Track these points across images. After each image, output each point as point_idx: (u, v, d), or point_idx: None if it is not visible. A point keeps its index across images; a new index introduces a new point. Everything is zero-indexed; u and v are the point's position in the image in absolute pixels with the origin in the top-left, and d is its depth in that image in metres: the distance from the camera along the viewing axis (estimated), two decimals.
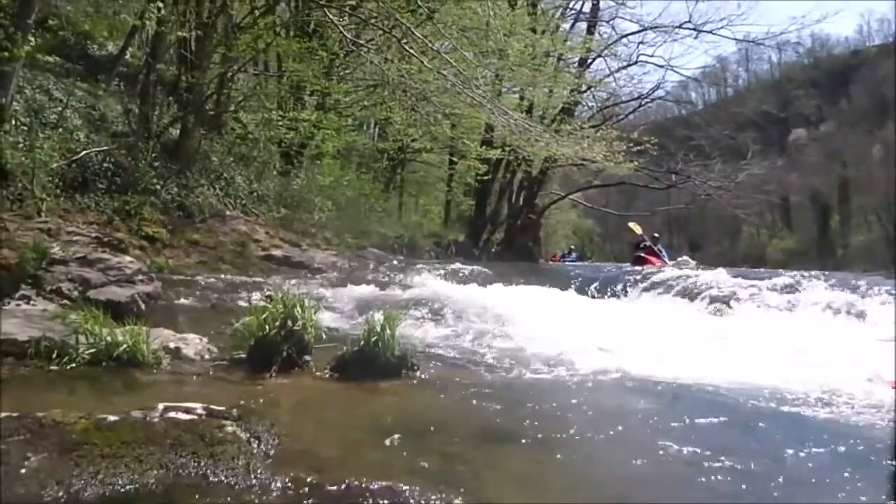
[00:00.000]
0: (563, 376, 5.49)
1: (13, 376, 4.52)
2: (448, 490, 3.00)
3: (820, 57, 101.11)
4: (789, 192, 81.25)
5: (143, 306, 6.88)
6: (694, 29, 31.03)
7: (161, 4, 12.54)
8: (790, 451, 3.82)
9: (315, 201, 19.40)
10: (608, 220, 58.35)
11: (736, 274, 12.29)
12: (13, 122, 11.04)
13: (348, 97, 22.56)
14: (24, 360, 4.76)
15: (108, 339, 4.91)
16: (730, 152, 38.73)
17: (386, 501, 2.81)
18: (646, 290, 11.16)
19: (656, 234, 29.25)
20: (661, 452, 3.62)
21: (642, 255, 26.52)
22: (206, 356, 5.41)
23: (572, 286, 11.46)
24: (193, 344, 5.49)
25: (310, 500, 2.79)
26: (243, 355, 5.34)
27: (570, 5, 31.74)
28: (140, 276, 7.31)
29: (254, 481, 2.94)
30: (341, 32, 16.52)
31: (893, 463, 3.66)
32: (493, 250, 29.91)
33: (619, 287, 11.63)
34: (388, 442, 3.64)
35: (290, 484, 2.92)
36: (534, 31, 24.90)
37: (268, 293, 7.62)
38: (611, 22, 31.60)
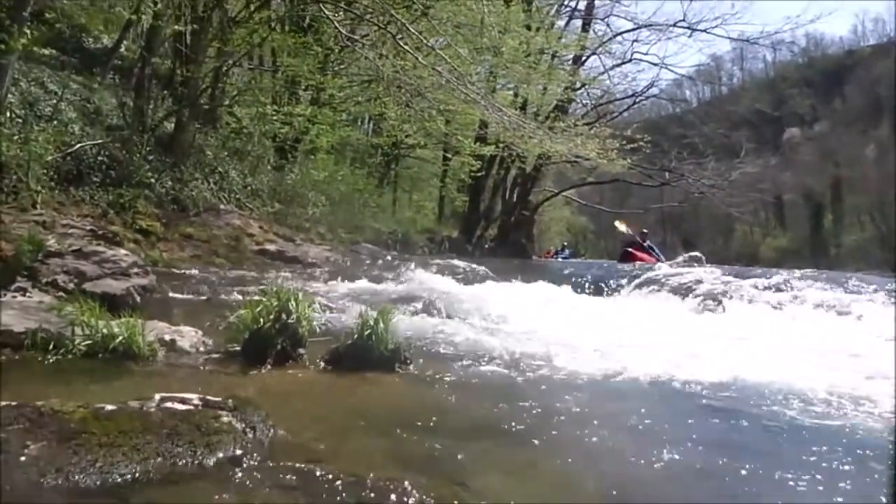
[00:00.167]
0: (555, 373, 5.51)
1: (11, 367, 4.56)
2: (439, 481, 3.05)
3: (814, 56, 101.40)
4: (783, 190, 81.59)
5: (138, 299, 6.92)
6: (688, 27, 31.21)
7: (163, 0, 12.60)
8: (786, 450, 3.87)
9: (309, 196, 19.43)
10: (602, 217, 58.37)
11: (729, 272, 12.35)
12: (8, 114, 11.04)
13: (343, 92, 22.57)
14: (21, 351, 4.80)
15: (105, 331, 4.95)
16: (723, 151, 38.90)
17: (378, 491, 2.85)
18: (638, 287, 11.20)
19: (645, 231, 29.23)
20: (654, 450, 3.63)
21: (630, 250, 26.52)
22: (201, 349, 5.45)
23: (565, 283, 11.50)
24: (189, 336, 5.53)
25: (304, 489, 2.83)
26: (238, 348, 5.38)
27: (566, 2, 31.86)
28: (135, 270, 7.34)
29: (249, 470, 2.98)
30: (336, 28, 16.53)
31: (893, 462, 3.69)
32: (487, 246, 29.94)
33: (612, 284, 11.68)
34: (380, 434, 3.69)
35: (284, 472, 2.96)
36: (528, 28, 24.94)
37: (262, 287, 7.65)
38: (605, 19, 31.80)
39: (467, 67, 17.85)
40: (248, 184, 17.62)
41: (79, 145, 12.11)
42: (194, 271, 10.72)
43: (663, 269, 13.24)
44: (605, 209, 48.85)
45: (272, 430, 3.44)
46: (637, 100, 35.79)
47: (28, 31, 9.84)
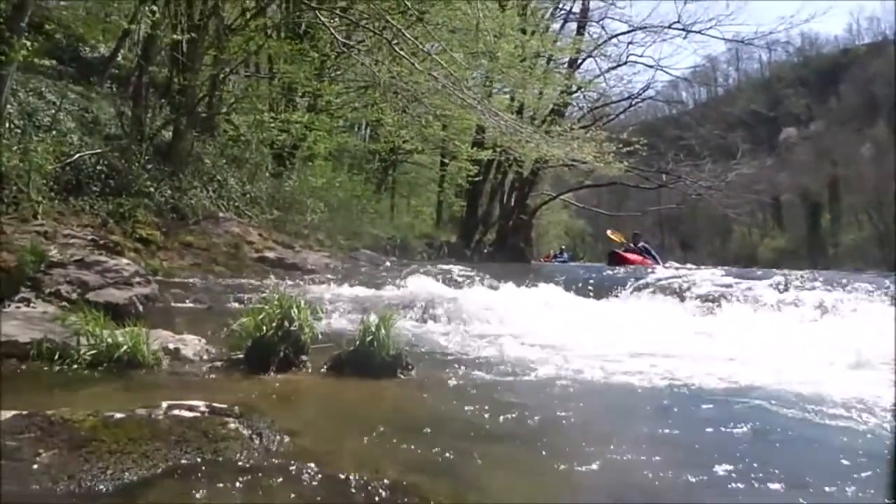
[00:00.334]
0: (557, 377, 5.53)
1: (18, 377, 4.62)
2: (445, 483, 3.10)
3: (809, 56, 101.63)
4: (780, 191, 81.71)
5: (140, 308, 6.97)
6: (683, 29, 31.25)
7: (155, 8, 12.63)
8: (787, 450, 3.88)
9: (307, 203, 19.47)
10: (600, 219, 58.42)
11: (727, 273, 12.38)
12: (7, 124, 11.08)
13: (339, 98, 22.65)
14: (27, 361, 4.85)
15: (109, 340, 4.99)
16: (720, 152, 39.00)
17: (386, 493, 2.89)
18: (637, 289, 11.21)
19: (637, 232, 29.15)
20: (656, 452, 3.64)
21: (617, 252, 26.42)
22: (205, 357, 5.50)
23: (564, 286, 11.52)
24: (192, 345, 5.57)
25: (312, 492, 2.88)
26: (241, 355, 5.41)
27: (560, 6, 31.90)
28: (137, 279, 7.39)
29: (257, 475, 3.02)
30: (332, 34, 16.61)
31: (893, 462, 3.71)
32: (485, 251, 30.03)
33: (611, 287, 11.68)
34: (385, 438, 3.72)
35: (292, 477, 3.00)
36: (524, 31, 24.99)
37: (263, 295, 7.69)
38: (600, 22, 31.85)
39: (463, 72, 17.89)
40: (246, 191, 17.67)
41: (78, 155, 12.15)
42: (194, 279, 10.76)
43: (661, 271, 13.29)
44: (603, 212, 48.95)
45: (278, 436, 3.48)
46: (633, 102, 35.98)
47: (28, 42, 9.87)
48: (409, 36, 14.96)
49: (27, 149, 10.78)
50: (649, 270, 16.79)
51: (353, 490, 2.91)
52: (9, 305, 6.19)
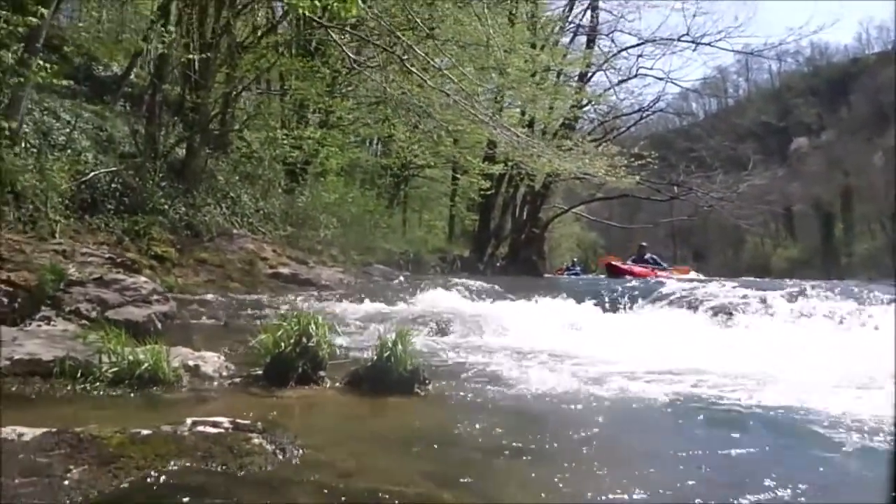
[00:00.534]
0: (574, 390, 5.53)
1: (43, 395, 4.68)
2: (466, 495, 3.14)
3: (819, 65, 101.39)
4: (792, 201, 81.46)
5: (159, 326, 7.04)
6: (692, 42, 31.33)
7: (172, 28, 12.75)
8: (801, 464, 3.90)
9: (320, 218, 19.57)
10: (611, 232, 58.55)
11: (740, 284, 12.37)
12: (23, 144, 11.19)
13: (351, 114, 22.75)
14: (50, 379, 4.91)
15: (130, 358, 5.04)
16: (731, 163, 39.03)
17: None
18: (651, 301, 11.21)
19: (644, 244, 29.42)
20: (676, 469, 3.64)
21: (614, 264, 26.55)
22: (224, 373, 5.54)
23: (577, 299, 11.53)
24: (211, 361, 5.61)
25: None
26: (259, 372, 5.47)
27: (570, 20, 31.97)
28: (155, 296, 7.46)
29: (282, 489, 3.07)
30: (343, 51, 16.72)
31: (893, 462, 3.72)
32: (498, 265, 30.03)
33: (625, 299, 11.67)
34: (404, 452, 3.77)
35: (316, 490, 3.04)
36: (533, 46, 25.04)
37: (281, 311, 7.75)
38: (610, 35, 31.87)
39: (474, 87, 17.95)
40: (259, 207, 17.76)
41: (93, 173, 12.24)
42: (210, 296, 10.83)
43: (673, 283, 13.30)
44: (615, 224, 49.02)
45: (301, 451, 3.52)
46: (644, 115, 35.96)
47: (46, 64, 9.97)
48: (419, 52, 15.03)
49: (43, 168, 10.89)
50: (652, 280, 16.86)
51: (379, 501, 2.95)
52: (30, 324, 6.27)
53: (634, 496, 3.25)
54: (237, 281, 12.86)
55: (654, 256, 28.14)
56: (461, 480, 3.34)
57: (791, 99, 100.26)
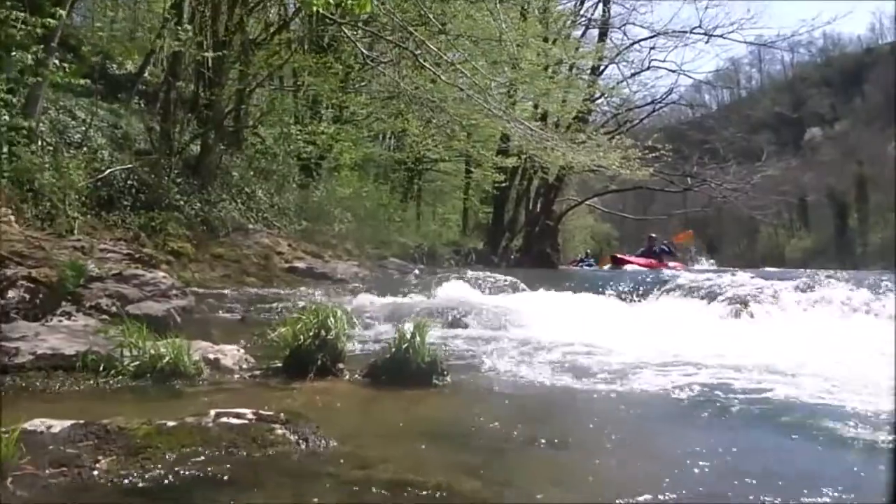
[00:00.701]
0: (591, 381, 5.52)
1: (67, 388, 4.75)
2: (488, 485, 3.17)
3: (833, 56, 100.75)
4: (806, 191, 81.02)
5: (178, 320, 7.11)
6: (705, 34, 31.14)
7: (189, 27, 12.81)
8: (812, 459, 3.89)
9: (335, 213, 19.64)
10: (625, 223, 58.37)
11: (756, 275, 12.34)
12: (40, 142, 11.27)
13: (364, 109, 22.82)
14: (73, 373, 4.98)
15: (152, 351, 5.11)
16: (744, 154, 38.93)
17: (430, 495, 2.96)
18: (666, 292, 11.18)
19: (653, 235, 29.35)
20: (695, 462, 3.58)
21: (618, 256, 26.76)
22: (244, 366, 5.60)
23: (595, 290, 11.54)
24: (231, 354, 5.67)
25: (359, 495, 2.95)
26: (279, 364, 5.52)
27: (582, 13, 31.88)
28: (174, 291, 7.53)
29: (306, 479, 3.12)
30: (355, 46, 16.77)
31: (893, 462, 3.70)
32: (512, 257, 30.04)
33: (640, 290, 11.64)
34: (425, 442, 3.79)
35: (339, 480, 3.08)
36: (545, 39, 25.02)
37: (299, 305, 7.80)
38: (622, 28, 31.76)
39: (486, 81, 17.96)
40: (274, 203, 17.84)
41: (109, 171, 12.33)
42: (226, 291, 10.89)
43: (688, 274, 13.29)
44: (629, 216, 48.87)
45: (323, 441, 3.56)
46: (657, 107, 35.87)
47: (60, 63, 10.05)
48: (431, 47, 15.04)
49: (60, 165, 10.96)
50: (662, 272, 16.92)
51: (403, 490, 2.98)
52: (51, 319, 6.33)
53: (653, 485, 3.24)
54: (253, 275, 12.93)
55: (665, 246, 28.03)
56: (481, 471, 3.36)
57: (805, 90, 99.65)
